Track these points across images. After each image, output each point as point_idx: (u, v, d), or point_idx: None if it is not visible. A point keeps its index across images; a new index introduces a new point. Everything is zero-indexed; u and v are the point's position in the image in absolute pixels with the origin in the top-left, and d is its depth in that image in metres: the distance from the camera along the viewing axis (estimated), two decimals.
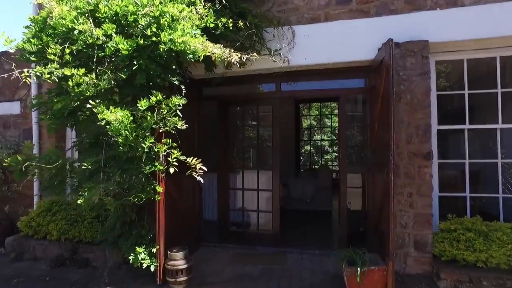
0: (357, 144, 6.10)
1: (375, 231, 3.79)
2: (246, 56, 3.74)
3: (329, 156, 15.88)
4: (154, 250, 3.61)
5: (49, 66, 3.03)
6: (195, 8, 3.40)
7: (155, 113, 3.14)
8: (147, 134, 3.11)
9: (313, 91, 4.62)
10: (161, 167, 3.35)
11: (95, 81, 3.05)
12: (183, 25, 3.13)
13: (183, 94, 3.37)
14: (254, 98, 4.84)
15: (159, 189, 3.48)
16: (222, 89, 4.96)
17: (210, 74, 4.26)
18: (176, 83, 3.45)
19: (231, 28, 3.67)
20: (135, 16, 3.05)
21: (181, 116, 3.30)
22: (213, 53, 3.33)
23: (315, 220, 6.30)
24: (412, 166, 3.60)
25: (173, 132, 3.26)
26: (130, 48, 2.95)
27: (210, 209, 5.70)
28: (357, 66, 4.22)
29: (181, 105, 3.23)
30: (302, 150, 13.93)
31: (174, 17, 3.11)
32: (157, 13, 3.00)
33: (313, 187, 7.01)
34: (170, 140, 3.24)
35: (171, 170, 3.26)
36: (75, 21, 3.05)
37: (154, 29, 2.98)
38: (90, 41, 3.01)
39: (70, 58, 3.08)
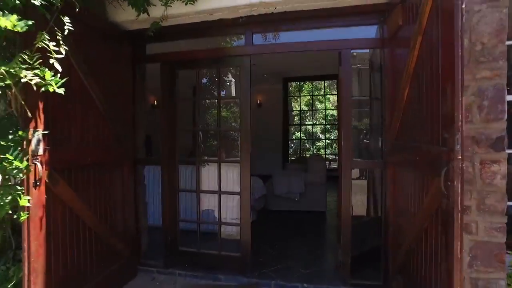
0: (360, 127, 4.59)
1: (403, 270, 2.33)
2: None
3: (321, 143, 14.47)
4: None
5: None
6: None
7: None
8: None
9: (301, 44, 3.04)
10: (19, 164, 1.83)
11: None
12: None
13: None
14: (215, 57, 3.26)
15: (24, 201, 1.94)
16: (170, 46, 3.41)
17: (145, 20, 2.81)
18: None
19: None
20: None
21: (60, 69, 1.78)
22: None
23: (304, 227, 4.83)
24: (470, 161, 2.10)
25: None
26: None
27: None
28: (368, 5, 2.73)
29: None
30: (293, 137, 12.45)
31: None
32: None
33: (302, 182, 5.53)
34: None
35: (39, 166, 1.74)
36: None
37: None
38: None
39: None
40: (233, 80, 5.39)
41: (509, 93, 2.35)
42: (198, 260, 3.35)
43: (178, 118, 3.34)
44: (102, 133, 2.85)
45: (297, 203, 5.64)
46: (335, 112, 14.37)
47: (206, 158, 4.13)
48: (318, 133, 15.42)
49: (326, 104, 13.10)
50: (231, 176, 3.56)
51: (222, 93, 4.42)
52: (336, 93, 9.94)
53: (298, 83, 11.21)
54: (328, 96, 12.88)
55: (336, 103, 11.61)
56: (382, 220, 2.94)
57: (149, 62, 3.46)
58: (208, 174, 3.61)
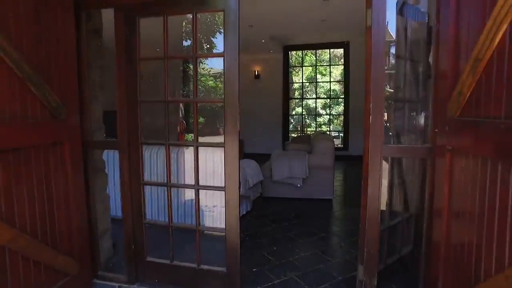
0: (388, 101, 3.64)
1: None
2: None
3: (321, 119, 13.54)
4: None
5: None
6: None
7: None
8: None
9: None
10: None
11: None
12: None
13: None
14: None
15: None
16: None
17: None
18: None
19: None
20: None
21: None
22: None
23: (308, 220, 4.02)
24: None
25: None
26: None
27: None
28: None
29: None
30: (293, 113, 11.51)
31: None
32: None
33: (306, 166, 4.67)
34: None
35: None
36: None
37: None
38: None
39: None
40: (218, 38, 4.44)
41: None
42: (171, 274, 2.53)
43: (139, 85, 2.41)
44: (22, 103, 1.95)
45: (299, 190, 4.81)
46: (337, 87, 13.42)
47: (182, 138, 3.25)
48: (319, 108, 14.50)
49: (328, 78, 12.12)
50: (212, 165, 2.69)
51: (206, 62, 3.48)
52: (342, 63, 8.92)
53: (301, 52, 10.15)
54: (332, 68, 11.82)
55: (337, 78, 10.63)
56: (425, 226, 2.10)
57: (96, 8, 2.50)
58: (184, 162, 2.73)
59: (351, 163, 8.04)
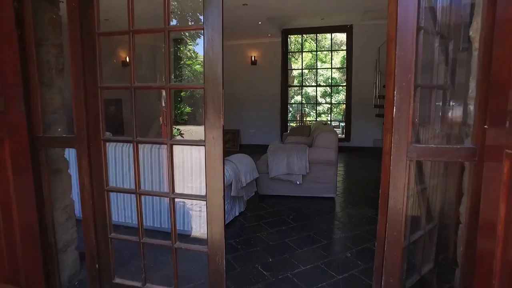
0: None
1: None
2: None
3: (321, 108, 13.03)
4: None
5: None
6: None
7: None
8: None
9: None
10: None
11: None
12: None
13: None
14: None
15: None
16: None
17: None
18: None
19: None
20: None
21: None
22: None
23: (309, 224, 3.56)
24: None
25: None
26: None
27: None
28: None
29: None
30: (292, 101, 11.00)
31: None
32: None
33: (306, 161, 4.20)
34: None
35: None
36: None
37: None
38: None
39: None
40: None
41: None
42: None
43: (99, 66, 1.90)
44: None
45: (298, 187, 4.35)
46: (336, 75, 12.88)
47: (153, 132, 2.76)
48: (318, 96, 13.98)
49: (328, 65, 11.54)
50: (187, 167, 2.21)
51: (193, 46, 2.95)
52: (344, 49, 8.36)
53: (300, 38, 9.57)
54: (333, 55, 11.23)
55: (337, 65, 10.01)
56: (464, 240, 1.64)
57: None
58: (160, 162, 2.25)
59: (353, 155, 7.58)
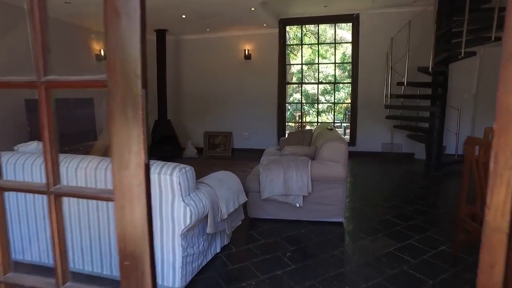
0: None
1: None
2: None
3: (321, 106, 12.12)
4: None
5: None
6: None
7: None
8: None
9: None
10: None
11: None
12: None
13: None
14: None
15: None
16: None
17: None
18: None
19: None
20: None
21: None
22: None
23: (311, 266, 2.65)
24: None
25: None
26: None
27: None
28: None
29: None
30: (290, 99, 10.11)
31: None
32: None
33: (308, 177, 3.31)
34: None
35: None
36: None
37: None
38: None
39: None
40: None
41: None
42: None
43: None
44: None
45: (298, 210, 3.46)
46: (336, 72, 11.99)
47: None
48: (318, 95, 13.11)
49: (330, 60, 10.65)
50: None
51: None
52: (350, 40, 7.45)
53: (300, 30, 8.65)
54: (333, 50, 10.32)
55: (338, 61, 9.02)
56: None
57: None
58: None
59: (360, 161, 6.69)
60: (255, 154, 5.81)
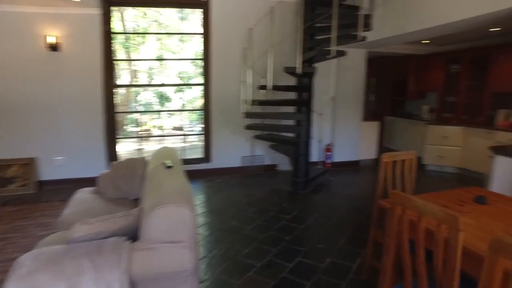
0: None
1: None
2: None
3: (174, 105, 10.48)
4: None
5: None
6: None
7: None
8: None
9: None
10: None
11: None
12: None
13: None
14: None
15: None
16: None
17: None
18: None
19: None
20: None
21: None
22: None
23: None
24: None
25: None
26: None
27: None
28: None
29: None
30: (136, 102, 8.11)
31: None
32: None
33: (117, 283, 1.68)
34: None
35: None
36: None
37: None
38: None
39: None
40: None
41: None
42: None
43: None
44: None
45: None
46: (187, 68, 10.50)
47: None
48: (172, 94, 11.41)
49: (179, 56, 9.07)
50: None
51: None
52: (200, 32, 6.00)
53: (135, 11, 6.72)
54: (188, 39, 8.80)
55: (196, 55, 7.39)
56: None
57: None
58: None
59: (217, 184, 5.37)
60: (77, 186, 3.90)
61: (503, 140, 5.49)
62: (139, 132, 7.28)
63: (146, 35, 8.75)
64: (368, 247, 2.75)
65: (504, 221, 1.97)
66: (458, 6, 3.80)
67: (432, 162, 6.58)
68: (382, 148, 7.79)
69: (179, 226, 1.82)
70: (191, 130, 8.28)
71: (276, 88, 4.88)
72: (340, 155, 6.68)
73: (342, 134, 6.64)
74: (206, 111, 5.91)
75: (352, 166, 6.77)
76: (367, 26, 4.50)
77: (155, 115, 9.99)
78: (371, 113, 8.12)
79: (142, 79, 9.32)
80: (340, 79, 6.42)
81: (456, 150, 6.33)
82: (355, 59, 6.34)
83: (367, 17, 4.52)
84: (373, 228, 2.68)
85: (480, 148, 5.86)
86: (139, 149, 5.76)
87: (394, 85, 8.26)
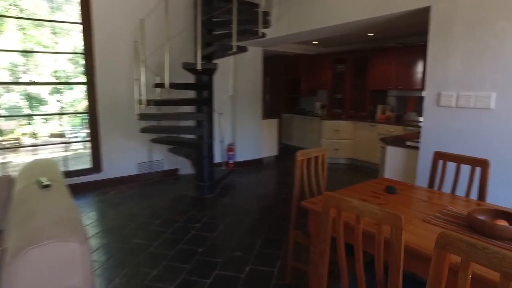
0: None
1: None
2: None
3: (51, 109, 8.99)
4: None
5: None
6: None
7: None
8: None
9: None
10: None
11: None
12: None
13: None
14: None
15: None
16: None
17: None
18: None
19: None
20: None
21: None
22: None
23: None
24: None
25: None
26: None
27: None
28: None
29: None
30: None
31: None
32: None
33: None
34: None
35: None
36: None
37: None
38: None
39: None
40: None
41: None
42: None
43: None
44: None
45: None
46: (65, 66, 9.11)
47: None
48: (45, 95, 9.75)
49: (52, 49, 7.74)
50: None
51: None
52: (81, 21, 5.14)
53: None
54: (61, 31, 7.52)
55: (74, 50, 6.28)
56: None
57: None
58: None
59: (110, 198, 4.69)
60: None
61: (383, 131, 6.14)
62: (2, 142, 5.90)
63: (2, 22, 7.20)
64: (289, 249, 2.62)
65: (416, 208, 2.03)
66: (347, 9, 4.00)
67: (329, 155, 7.01)
68: (282, 145, 8.02)
69: (65, 269, 1.34)
70: (76, 137, 7.14)
71: (174, 86, 4.46)
72: (243, 155, 6.60)
73: (243, 133, 6.56)
74: (91, 114, 5.11)
75: (255, 164, 6.75)
76: (266, 23, 4.44)
77: (24, 121, 8.35)
78: (269, 111, 8.29)
79: (3, 76, 7.67)
80: (238, 78, 6.31)
81: (348, 143, 6.88)
82: (252, 57, 6.31)
83: (266, 14, 4.46)
84: (292, 229, 2.56)
85: (367, 140, 6.47)
86: (3, 163, 4.59)
87: (288, 83, 8.60)
